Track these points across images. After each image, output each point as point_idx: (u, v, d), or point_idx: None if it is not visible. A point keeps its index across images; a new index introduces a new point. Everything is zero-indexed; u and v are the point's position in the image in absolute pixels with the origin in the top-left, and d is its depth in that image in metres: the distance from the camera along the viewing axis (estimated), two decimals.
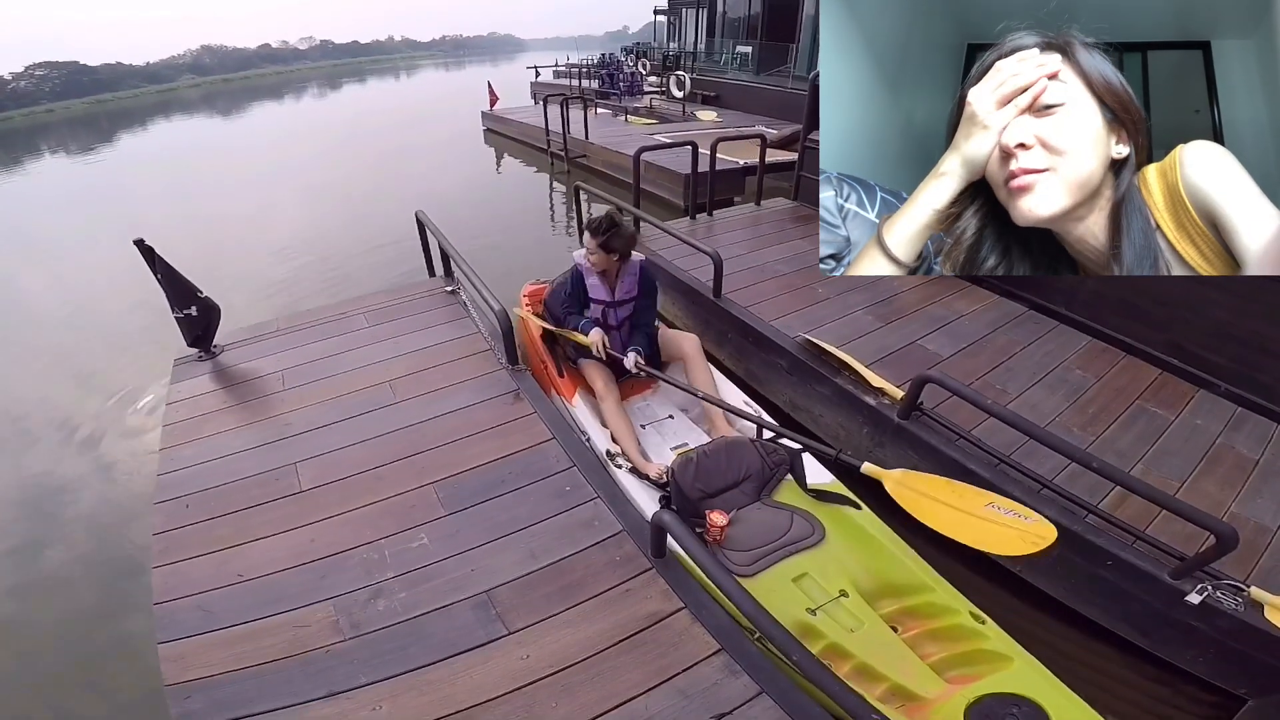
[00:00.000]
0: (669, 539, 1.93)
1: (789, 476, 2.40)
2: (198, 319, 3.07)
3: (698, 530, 2.17)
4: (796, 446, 2.40)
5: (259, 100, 37.31)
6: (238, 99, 39.82)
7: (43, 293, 6.86)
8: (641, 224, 4.53)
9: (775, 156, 6.24)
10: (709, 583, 1.75)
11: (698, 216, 5.28)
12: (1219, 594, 2.02)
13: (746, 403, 2.85)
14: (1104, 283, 3.57)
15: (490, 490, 2.33)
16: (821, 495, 2.31)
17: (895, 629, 1.97)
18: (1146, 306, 3.33)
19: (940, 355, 3.26)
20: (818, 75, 5.12)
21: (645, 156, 5.30)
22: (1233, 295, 2.92)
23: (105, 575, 2.96)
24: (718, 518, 2.16)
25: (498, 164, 11.58)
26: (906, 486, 2.05)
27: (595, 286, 2.86)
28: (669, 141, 6.18)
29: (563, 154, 9.62)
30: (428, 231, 3.85)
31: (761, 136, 5.66)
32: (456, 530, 2.17)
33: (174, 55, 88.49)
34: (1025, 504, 1.91)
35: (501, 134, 13.16)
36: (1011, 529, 1.84)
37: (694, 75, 13.96)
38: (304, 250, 7.08)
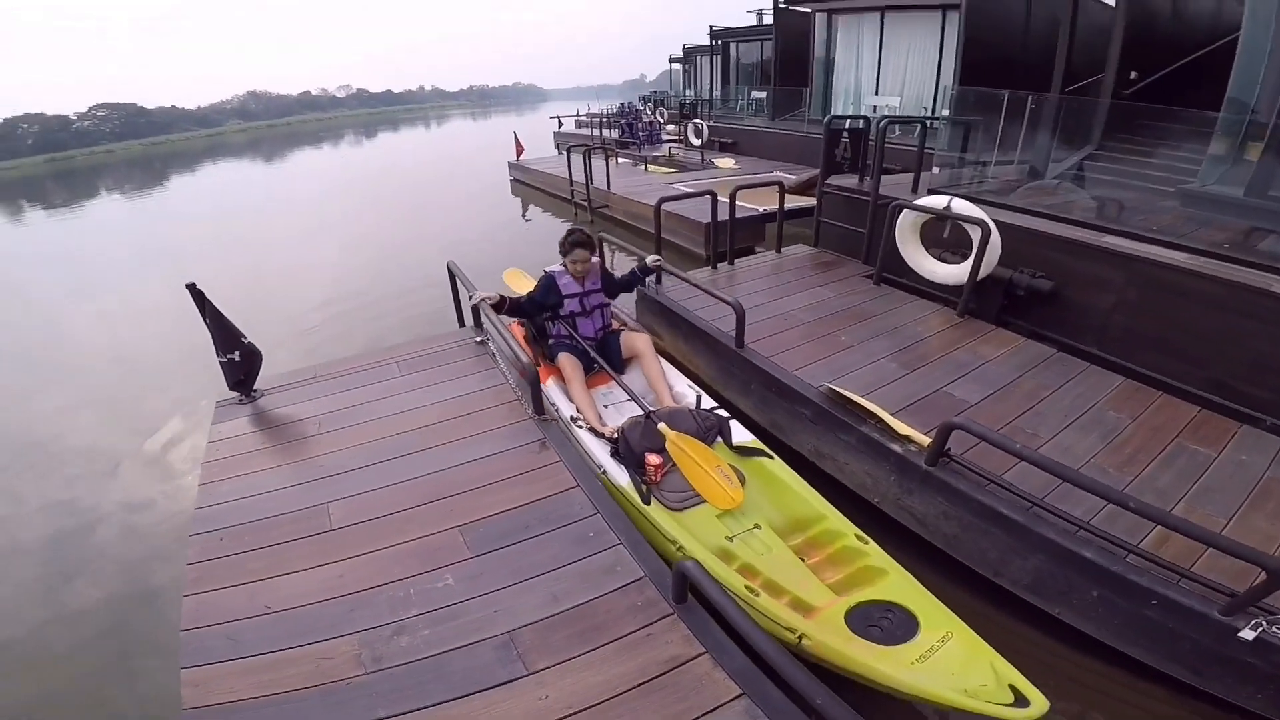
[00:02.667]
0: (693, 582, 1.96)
1: (719, 439, 2.94)
2: (240, 364, 3.28)
3: (644, 477, 2.71)
4: (725, 415, 3.10)
5: (299, 147, 40.03)
6: (280, 145, 42.66)
7: (89, 329, 7.34)
8: (663, 275, 4.70)
9: (794, 202, 6.44)
10: (736, 625, 1.75)
11: (719, 266, 5.42)
12: (1275, 629, 2.00)
13: (690, 385, 3.52)
14: (1136, 319, 3.64)
15: (515, 534, 2.43)
16: (743, 451, 2.90)
17: (804, 559, 2.46)
18: (1182, 343, 3.36)
19: (968, 401, 3.29)
20: (833, 119, 5.30)
21: (666, 206, 5.48)
22: (1272, 325, 2.93)
23: (126, 607, 3.10)
24: (653, 458, 2.75)
25: (524, 212, 12.00)
26: (677, 445, 2.76)
27: (568, 285, 3.55)
28: (689, 191, 6.42)
29: (586, 204, 9.97)
30: (459, 282, 4.06)
31: (779, 183, 5.83)
32: (481, 572, 2.26)
33: (222, 100, 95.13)
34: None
35: (527, 184, 13.67)
36: (720, 487, 2.60)
37: (711, 123, 14.40)
38: (339, 298, 7.43)
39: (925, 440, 2.83)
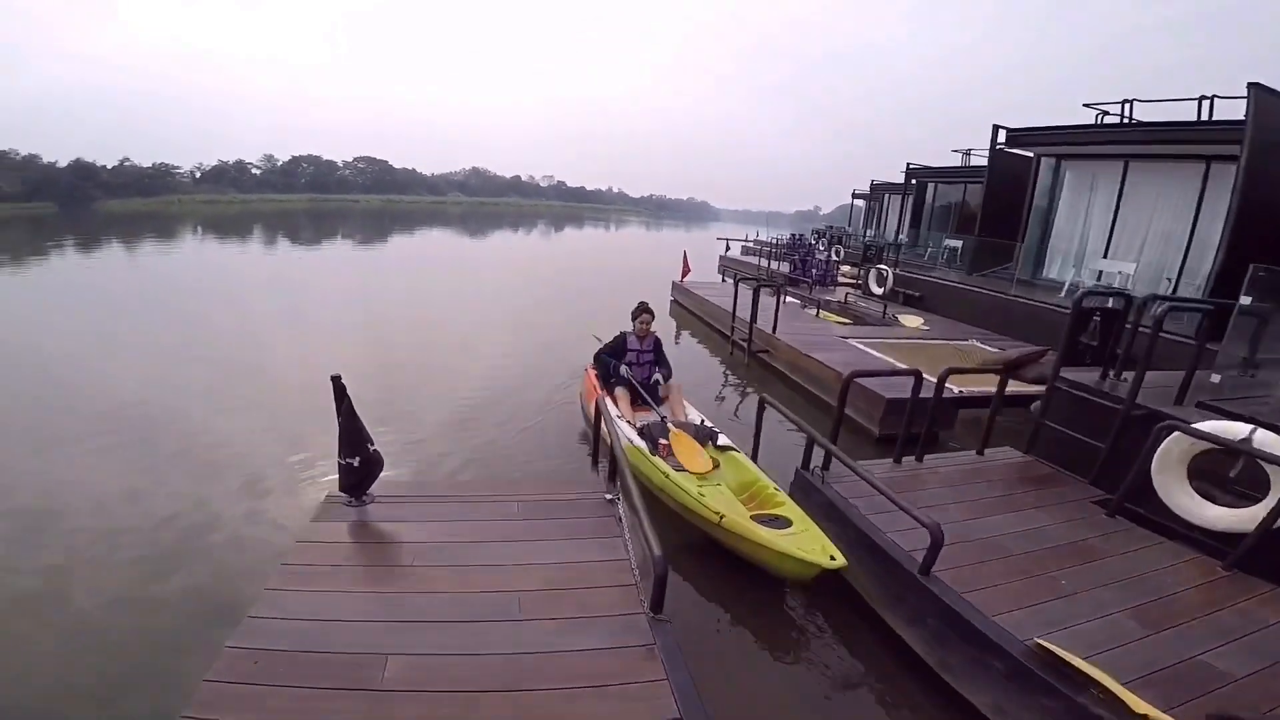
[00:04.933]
0: None
1: (709, 442, 4.78)
2: (358, 469, 3.20)
3: (656, 450, 4.57)
4: (714, 429, 4.99)
5: (499, 228, 48.53)
6: (484, 223, 51.95)
7: (285, 357, 8.61)
8: (833, 460, 4.08)
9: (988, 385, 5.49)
10: None
11: (903, 460, 4.57)
12: None
13: (697, 413, 5.62)
14: None
15: None
16: (723, 448, 4.75)
17: (747, 505, 4.07)
18: None
19: (1232, 675, 2.62)
20: (1084, 294, 4.49)
21: (849, 372, 4.85)
22: None
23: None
24: (663, 441, 4.63)
25: (676, 337, 11.45)
26: (676, 435, 4.74)
27: (633, 343, 5.81)
28: (889, 368, 5.74)
29: (745, 345, 9.21)
30: (603, 420, 3.85)
31: (1004, 366, 4.91)
32: None
33: (451, 171, 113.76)
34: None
35: (686, 308, 13.46)
36: (695, 459, 4.48)
37: (896, 270, 13.49)
38: (485, 392, 7.43)
39: None
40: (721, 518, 3.58)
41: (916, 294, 12.69)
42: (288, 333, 10.06)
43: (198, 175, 66.87)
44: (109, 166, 56.00)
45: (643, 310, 5.78)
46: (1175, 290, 9.54)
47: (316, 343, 9.43)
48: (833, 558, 3.26)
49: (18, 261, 17.90)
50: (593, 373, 6.06)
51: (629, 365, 5.61)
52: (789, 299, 11.80)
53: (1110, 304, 4.73)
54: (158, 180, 59.34)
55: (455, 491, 3.72)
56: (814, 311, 11.25)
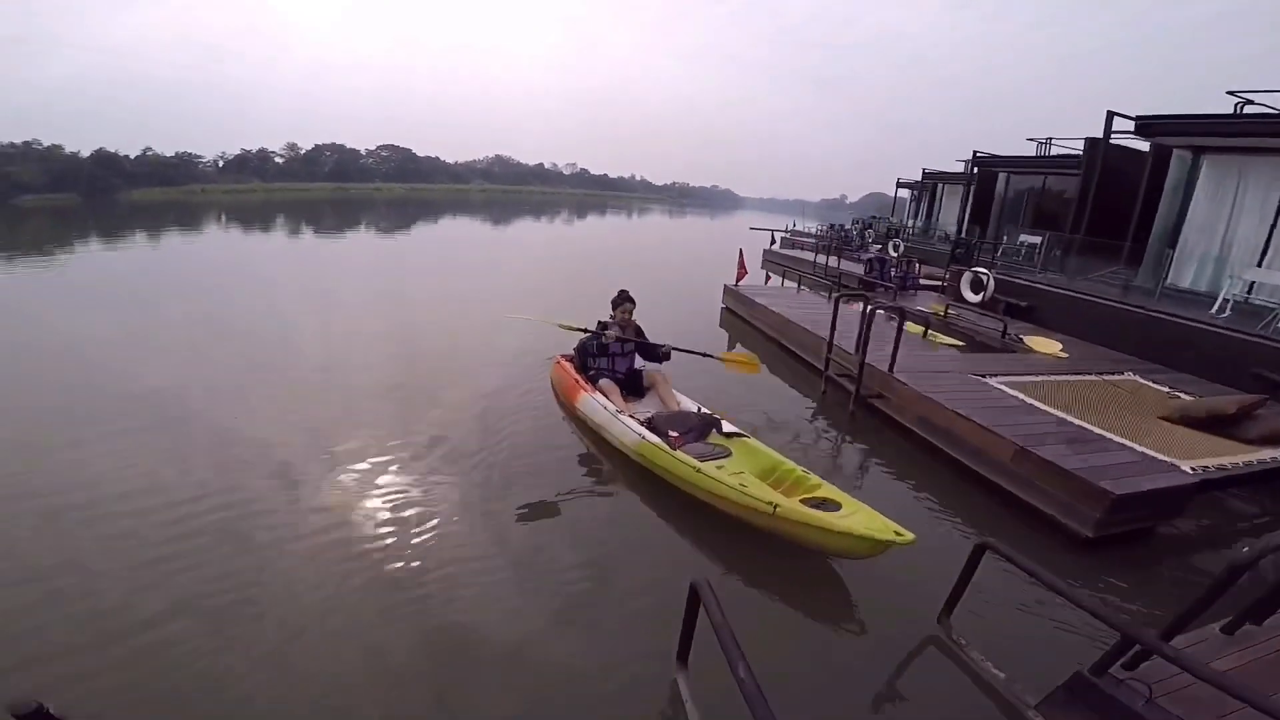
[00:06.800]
0: None
1: (713, 430, 4.75)
2: None
3: (670, 445, 4.43)
4: (718, 417, 4.89)
5: (522, 215, 48.21)
6: (508, 211, 51.85)
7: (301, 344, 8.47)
8: (1158, 655, 2.23)
9: (1217, 456, 3.78)
10: None
11: (1226, 626, 2.63)
12: None
13: (689, 400, 5.59)
14: None
15: None
16: (730, 435, 4.70)
17: (776, 489, 4.04)
18: None
19: None
20: None
21: (1024, 441, 4.12)
22: None
23: None
24: (674, 433, 4.56)
25: (729, 347, 9.28)
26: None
27: (614, 331, 5.89)
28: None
29: (852, 385, 6.46)
30: (705, 604, 2.08)
31: (1209, 418, 3.29)
32: None
33: (474, 160, 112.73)
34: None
35: (744, 320, 10.87)
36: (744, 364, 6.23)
37: (996, 274, 11.12)
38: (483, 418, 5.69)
39: None
40: (776, 507, 3.59)
41: (1024, 304, 10.33)
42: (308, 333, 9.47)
43: (220, 164, 66.67)
44: (131, 156, 55.67)
45: (626, 299, 5.88)
46: None
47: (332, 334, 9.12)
48: (898, 533, 3.32)
49: (47, 254, 16.89)
50: (567, 364, 6.05)
51: (612, 356, 5.73)
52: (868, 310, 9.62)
53: None
54: (180, 169, 59.13)
55: None
56: (920, 331, 8.43)
